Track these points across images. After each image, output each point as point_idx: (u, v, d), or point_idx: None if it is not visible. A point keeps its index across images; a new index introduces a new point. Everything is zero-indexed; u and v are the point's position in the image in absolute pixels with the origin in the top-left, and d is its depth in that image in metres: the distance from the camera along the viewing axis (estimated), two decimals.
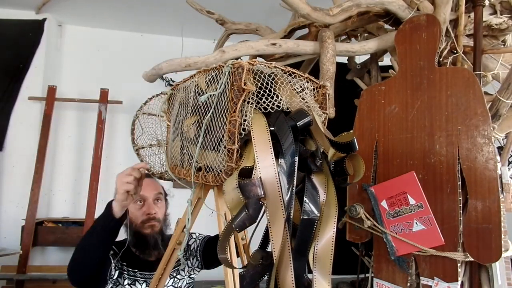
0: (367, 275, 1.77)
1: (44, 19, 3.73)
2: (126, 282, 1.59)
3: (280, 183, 0.80)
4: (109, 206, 1.36)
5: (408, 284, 1.44)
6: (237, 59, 1.73)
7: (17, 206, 3.52)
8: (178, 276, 1.69)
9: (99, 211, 3.46)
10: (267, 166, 0.80)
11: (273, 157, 0.81)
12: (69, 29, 4.00)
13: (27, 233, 3.27)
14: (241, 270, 0.84)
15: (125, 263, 1.62)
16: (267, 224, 0.83)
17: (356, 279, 1.98)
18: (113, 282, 1.56)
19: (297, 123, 0.87)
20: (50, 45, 3.81)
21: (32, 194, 3.37)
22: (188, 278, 1.72)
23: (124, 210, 1.34)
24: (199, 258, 1.70)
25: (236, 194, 0.79)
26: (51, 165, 3.75)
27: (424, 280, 1.42)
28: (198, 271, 1.76)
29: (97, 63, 3.96)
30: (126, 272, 1.60)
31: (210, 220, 1.62)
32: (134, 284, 1.60)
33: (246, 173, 0.82)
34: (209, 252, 1.67)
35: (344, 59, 2.14)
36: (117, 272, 1.57)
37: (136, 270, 1.62)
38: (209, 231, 1.66)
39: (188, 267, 1.72)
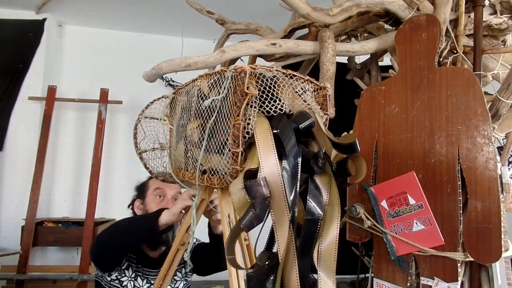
0: (367, 275, 1.77)
1: (44, 19, 3.73)
2: (132, 275, 1.62)
3: (284, 184, 0.82)
4: (158, 213, 1.38)
5: (408, 284, 1.44)
6: (237, 59, 1.73)
7: (17, 206, 3.52)
8: (175, 277, 1.71)
9: (99, 211, 3.50)
10: (271, 168, 0.81)
11: (277, 159, 0.82)
12: (69, 29, 4.01)
13: (27, 233, 3.28)
14: (249, 270, 0.84)
15: (135, 257, 1.65)
16: (272, 225, 0.84)
17: (356, 279, 1.99)
18: (118, 271, 1.61)
19: (300, 126, 0.88)
20: (50, 45, 3.81)
21: (32, 194, 3.37)
22: (184, 280, 1.75)
23: (167, 225, 1.38)
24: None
25: (243, 195, 0.80)
26: (51, 165, 3.75)
27: (424, 280, 1.42)
28: (191, 275, 1.80)
29: (97, 63, 3.96)
30: (134, 265, 1.64)
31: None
32: (136, 279, 1.62)
33: (251, 175, 0.83)
34: (196, 258, 1.70)
35: (344, 59, 2.14)
36: (126, 263, 1.62)
37: (140, 266, 1.65)
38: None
39: (184, 269, 1.75)
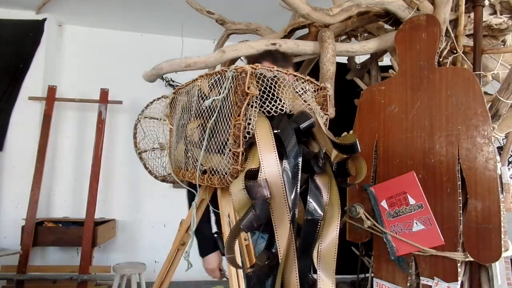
0: (367, 275, 1.78)
1: (44, 19, 3.73)
2: None
3: (284, 184, 0.81)
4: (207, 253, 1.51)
5: (408, 284, 1.44)
6: (237, 59, 1.73)
7: (17, 206, 3.52)
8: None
9: (99, 211, 3.50)
10: (271, 168, 0.81)
11: (277, 159, 0.82)
12: (69, 29, 4.00)
13: (27, 233, 3.27)
14: (249, 270, 0.84)
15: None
16: (272, 225, 0.84)
17: (356, 279, 1.99)
18: None
19: (300, 126, 0.88)
20: (50, 45, 3.80)
21: (32, 194, 3.37)
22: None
23: None
24: None
25: (243, 196, 0.80)
26: (51, 165, 3.75)
27: (424, 280, 1.42)
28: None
29: (97, 63, 3.96)
30: None
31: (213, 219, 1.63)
32: None
33: (252, 175, 0.83)
34: None
35: (344, 59, 2.14)
36: None
37: None
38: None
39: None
